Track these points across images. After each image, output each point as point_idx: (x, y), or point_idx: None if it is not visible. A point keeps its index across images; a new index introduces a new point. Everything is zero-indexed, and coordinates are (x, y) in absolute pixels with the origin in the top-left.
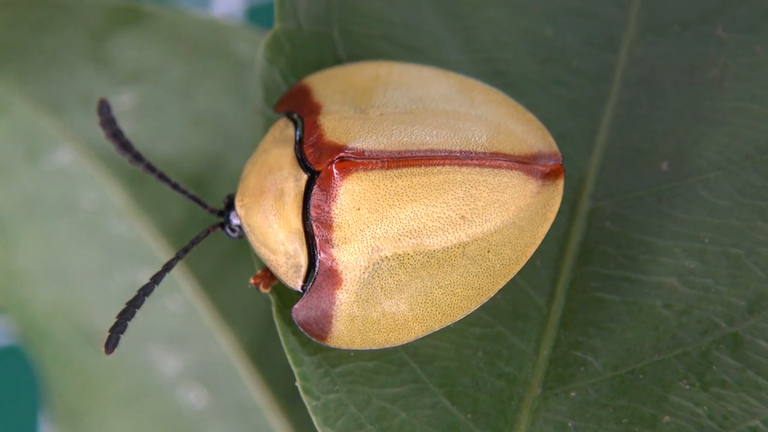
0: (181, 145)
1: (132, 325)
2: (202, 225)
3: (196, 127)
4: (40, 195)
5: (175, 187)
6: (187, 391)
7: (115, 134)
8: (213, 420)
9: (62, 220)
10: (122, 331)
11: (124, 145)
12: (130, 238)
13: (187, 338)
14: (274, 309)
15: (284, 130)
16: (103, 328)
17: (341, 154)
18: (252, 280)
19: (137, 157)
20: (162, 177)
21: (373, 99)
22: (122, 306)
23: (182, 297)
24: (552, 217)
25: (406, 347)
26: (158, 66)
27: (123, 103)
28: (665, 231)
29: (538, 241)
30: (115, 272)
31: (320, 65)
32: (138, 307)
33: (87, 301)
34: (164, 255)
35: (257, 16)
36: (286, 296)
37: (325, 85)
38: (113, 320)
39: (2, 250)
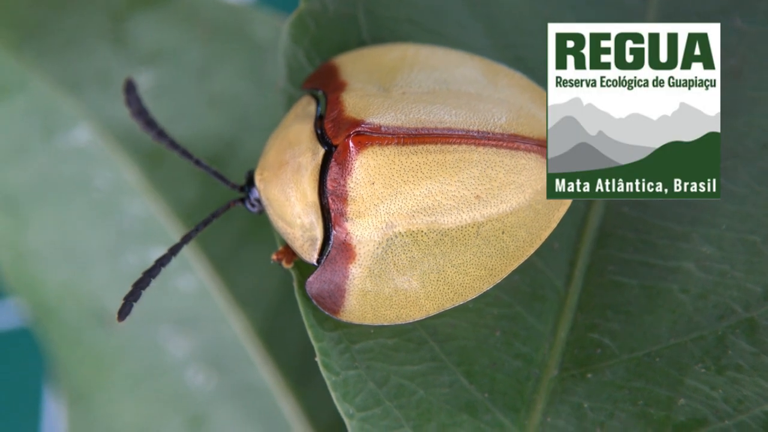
0: (196, 127)
1: (142, 305)
2: (217, 205)
3: (212, 108)
4: (54, 174)
5: (197, 163)
6: (197, 373)
7: (140, 112)
8: (222, 402)
9: (76, 200)
10: (136, 300)
11: (149, 123)
12: (143, 218)
13: (198, 319)
14: (295, 284)
15: (306, 107)
16: (113, 308)
17: (358, 129)
18: (274, 256)
19: (161, 134)
20: (185, 153)
21: (398, 79)
22: (129, 287)
23: (194, 277)
24: (568, 202)
25: (425, 326)
26: (176, 47)
27: (140, 84)
28: (683, 217)
29: (554, 225)
30: (127, 252)
31: (344, 46)
32: (154, 277)
33: (98, 282)
34: (177, 235)
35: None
36: (308, 272)
37: (352, 64)
38: (128, 289)
39: (15, 229)
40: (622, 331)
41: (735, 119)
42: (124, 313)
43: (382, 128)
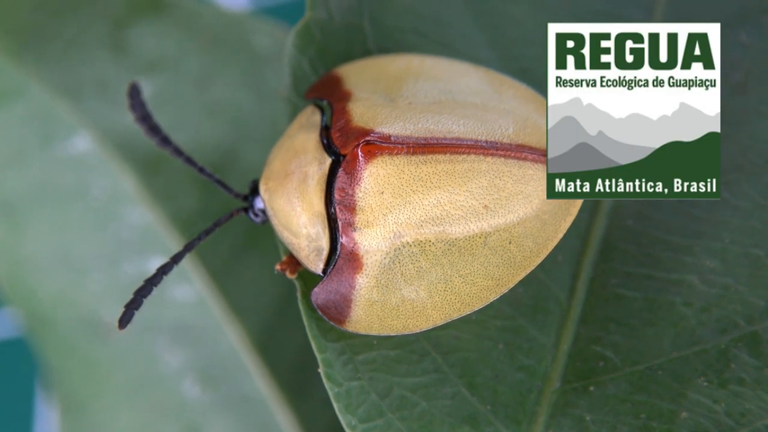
0: (195, 136)
1: (139, 315)
2: (215, 216)
3: (211, 118)
4: (52, 181)
5: (201, 170)
6: (193, 383)
7: (145, 117)
8: (217, 412)
9: (73, 208)
10: (137, 307)
11: (153, 128)
12: (141, 227)
13: (195, 330)
14: (299, 295)
15: (311, 117)
16: (109, 318)
17: (367, 138)
18: (278, 266)
19: (165, 141)
20: (189, 160)
21: (403, 89)
22: (130, 295)
23: (191, 288)
24: (575, 212)
25: (428, 337)
26: (176, 56)
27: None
28: (687, 230)
29: (560, 235)
30: (124, 262)
31: (349, 56)
32: (155, 284)
33: (94, 291)
34: (175, 244)
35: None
36: (311, 283)
37: (356, 74)
38: (130, 296)
39: (11, 236)
40: (624, 344)
41: (739, 133)
42: (125, 320)
43: (392, 138)
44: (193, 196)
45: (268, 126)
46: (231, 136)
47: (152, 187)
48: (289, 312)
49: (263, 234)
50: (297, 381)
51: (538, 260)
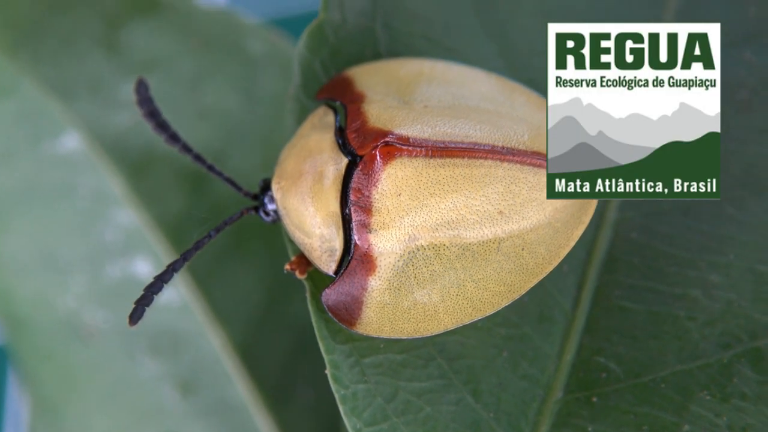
0: (186, 138)
1: (120, 318)
2: (202, 219)
3: (201, 121)
4: (39, 180)
5: (210, 168)
6: (173, 388)
7: (152, 113)
8: (197, 419)
9: (59, 208)
10: (148, 304)
11: (161, 125)
12: (126, 229)
13: (177, 334)
14: (308, 295)
15: (323, 117)
16: (91, 321)
17: (386, 139)
18: (287, 266)
19: (173, 137)
20: (198, 158)
21: (416, 93)
22: (112, 298)
23: (175, 291)
24: (587, 220)
25: (434, 343)
26: (169, 57)
27: (131, 92)
28: (691, 244)
29: (572, 243)
30: (107, 264)
31: (360, 59)
32: (166, 281)
33: (76, 292)
34: (161, 247)
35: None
36: (321, 284)
37: (368, 76)
38: (140, 293)
39: None
40: (627, 356)
41: (745, 150)
42: (135, 317)
43: (411, 140)
44: (181, 199)
45: (259, 130)
46: (221, 139)
47: (139, 189)
48: (272, 318)
49: (248, 239)
50: (279, 388)
51: (550, 267)
